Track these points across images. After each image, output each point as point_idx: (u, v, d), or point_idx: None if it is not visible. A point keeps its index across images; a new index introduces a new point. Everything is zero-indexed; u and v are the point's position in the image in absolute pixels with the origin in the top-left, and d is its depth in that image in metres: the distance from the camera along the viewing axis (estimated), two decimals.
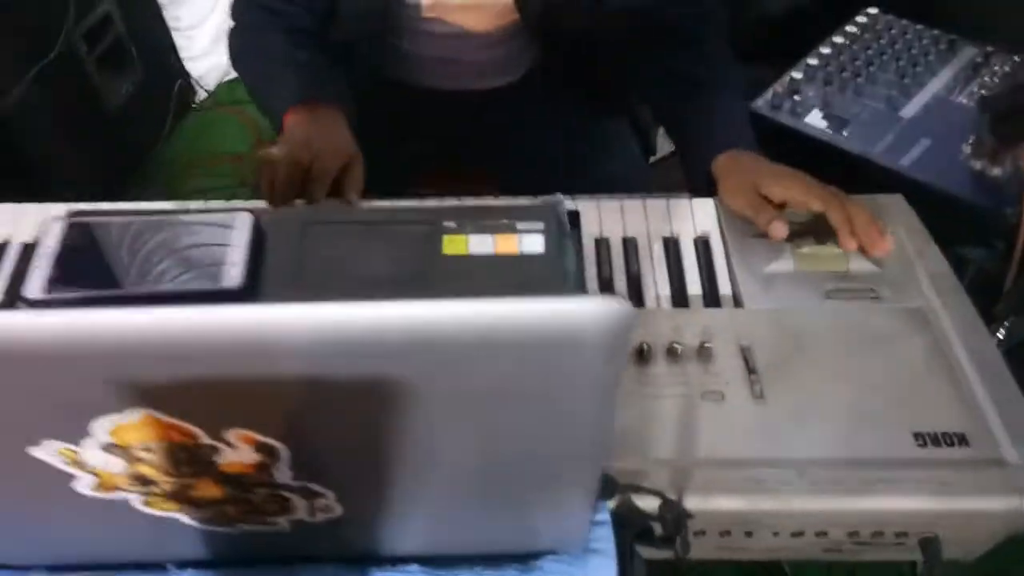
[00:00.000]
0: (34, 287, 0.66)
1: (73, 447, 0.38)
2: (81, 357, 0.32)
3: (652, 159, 1.51)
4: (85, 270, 0.68)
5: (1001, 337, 0.96)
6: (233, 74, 2.28)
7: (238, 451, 0.39)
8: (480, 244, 0.71)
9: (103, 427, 0.37)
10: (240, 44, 1.14)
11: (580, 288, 0.68)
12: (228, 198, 2.22)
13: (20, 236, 0.88)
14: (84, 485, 0.42)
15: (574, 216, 0.78)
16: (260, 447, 0.39)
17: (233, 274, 0.67)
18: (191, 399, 0.35)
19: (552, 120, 1.27)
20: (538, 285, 0.68)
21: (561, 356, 0.33)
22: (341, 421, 0.37)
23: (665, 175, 1.64)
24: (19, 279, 0.82)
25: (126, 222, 0.70)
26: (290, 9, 1.10)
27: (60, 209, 0.91)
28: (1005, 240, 0.93)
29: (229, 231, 0.70)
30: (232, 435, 0.38)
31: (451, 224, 0.72)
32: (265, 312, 0.31)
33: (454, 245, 0.71)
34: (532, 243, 0.71)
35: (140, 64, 1.99)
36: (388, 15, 1.14)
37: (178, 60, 2.18)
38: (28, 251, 0.86)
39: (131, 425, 0.36)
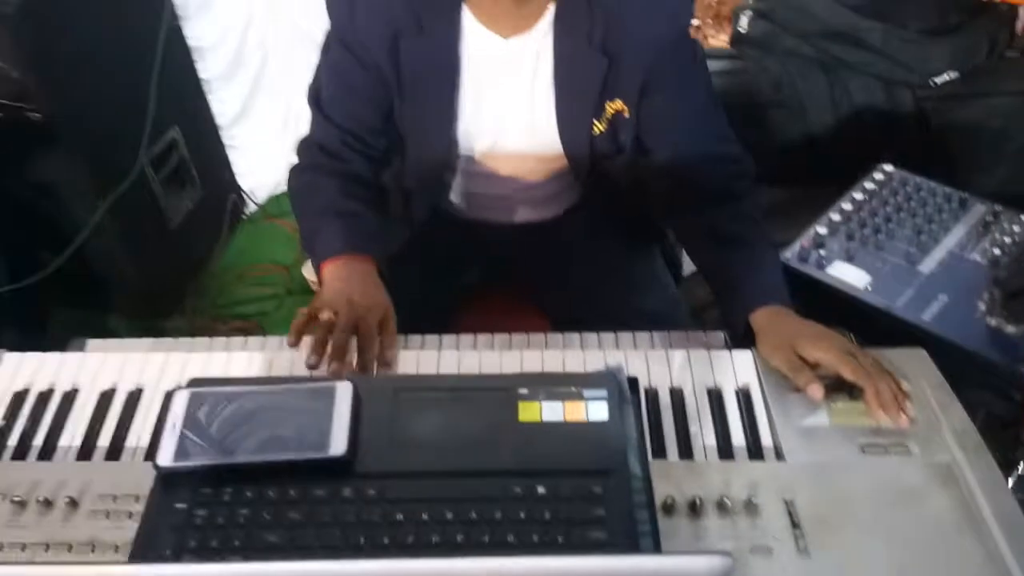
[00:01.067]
0: (165, 456, 0.75)
1: None
2: None
3: (682, 274, 1.60)
4: (206, 438, 0.76)
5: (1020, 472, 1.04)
6: (282, 187, 2.42)
7: None
8: (552, 412, 0.80)
9: None
10: (298, 183, 1.20)
11: (641, 454, 0.77)
12: (277, 306, 2.32)
13: (125, 383, 0.98)
14: None
15: (632, 382, 0.87)
16: None
17: (339, 443, 0.75)
18: None
19: (592, 252, 1.35)
20: (605, 452, 0.77)
21: None
22: None
23: (693, 290, 1.75)
24: (124, 428, 0.92)
25: (241, 391, 0.80)
26: (347, 154, 1.17)
27: (159, 359, 1.00)
28: (1021, 392, 1.00)
29: (332, 400, 0.79)
30: None
31: (525, 391, 0.81)
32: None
33: (528, 412, 0.80)
34: (597, 411, 0.80)
35: (200, 182, 2.12)
36: (447, 161, 1.23)
37: (232, 176, 2.31)
38: (132, 400, 0.95)
39: None
